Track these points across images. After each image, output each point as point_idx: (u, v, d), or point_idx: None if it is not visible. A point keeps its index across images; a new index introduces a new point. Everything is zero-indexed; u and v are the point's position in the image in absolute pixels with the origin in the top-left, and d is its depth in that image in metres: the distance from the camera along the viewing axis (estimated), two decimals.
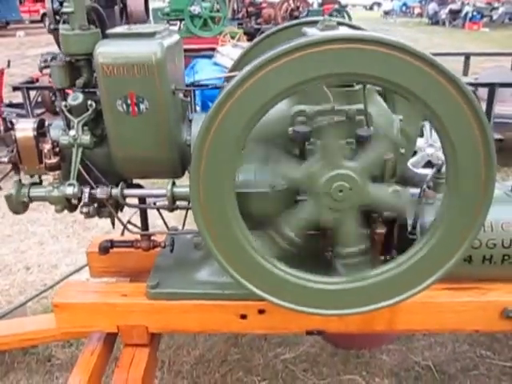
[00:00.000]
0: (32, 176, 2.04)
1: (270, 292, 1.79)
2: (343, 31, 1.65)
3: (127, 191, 2.00)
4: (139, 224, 2.28)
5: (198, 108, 5.79)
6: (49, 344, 2.82)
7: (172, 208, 2.01)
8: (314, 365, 2.82)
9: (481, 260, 2.08)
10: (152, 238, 2.27)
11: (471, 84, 5.36)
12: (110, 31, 1.91)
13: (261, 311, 2.08)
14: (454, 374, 2.73)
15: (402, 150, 2.05)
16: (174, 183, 1.97)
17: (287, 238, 1.77)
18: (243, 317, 2.10)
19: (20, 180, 2.03)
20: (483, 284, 2.15)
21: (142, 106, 1.85)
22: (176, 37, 2.05)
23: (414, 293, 1.79)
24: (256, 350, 2.92)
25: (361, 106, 1.89)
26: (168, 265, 2.24)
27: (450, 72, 1.50)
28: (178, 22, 10.64)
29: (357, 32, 1.72)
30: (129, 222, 2.14)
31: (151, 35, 1.87)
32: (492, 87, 5.49)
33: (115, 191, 1.97)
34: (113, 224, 2.20)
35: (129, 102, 1.85)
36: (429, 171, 5.09)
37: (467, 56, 7.69)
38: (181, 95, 2.03)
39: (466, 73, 7.54)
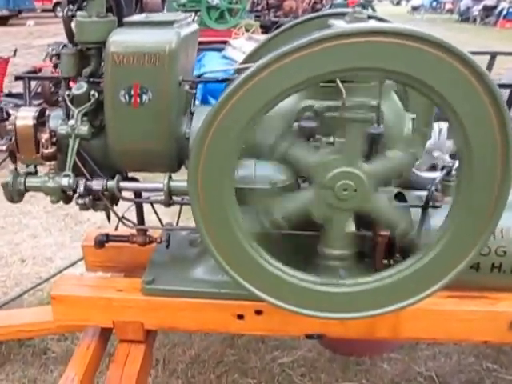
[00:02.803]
0: (28, 166, 1.98)
1: (268, 292, 1.73)
2: (373, 24, 1.58)
3: (123, 184, 1.95)
4: (135, 219, 2.22)
5: (197, 102, 5.70)
6: (45, 337, 2.77)
7: (169, 203, 1.94)
8: (311, 370, 2.74)
9: (489, 268, 2.00)
10: (148, 233, 2.20)
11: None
12: (126, 19, 1.87)
13: (258, 312, 2.01)
14: None
15: (412, 150, 1.97)
16: (170, 177, 1.91)
17: (274, 222, 1.70)
18: (240, 317, 2.03)
19: (16, 169, 1.98)
20: (491, 293, 2.07)
21: (144, 97, 1.79)
22: (194, 27, 2.00)
23: (418, 300, 1.71)
24: (253, 353, 2.85)
25: (374, 103, 1.82)
26: (164, 261, 2.18)
27: (481, 69, 1.42)
28: (193, 14, 10.56)
29: (389, 25, 1.63)
30: (123, 216, 2.07)
31: (169, 24, 1.82)
32: None
33: (111, 184, 1.91)
34: (108, 218, 2.14)
35: (132, 92, 1.79)
36: (434, 174, 5.09)
37: (493, 55, 7.55)
38: (187, 87, 1.96)
39: (490, 72, 7.42)
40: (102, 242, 2.22)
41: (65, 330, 2.41)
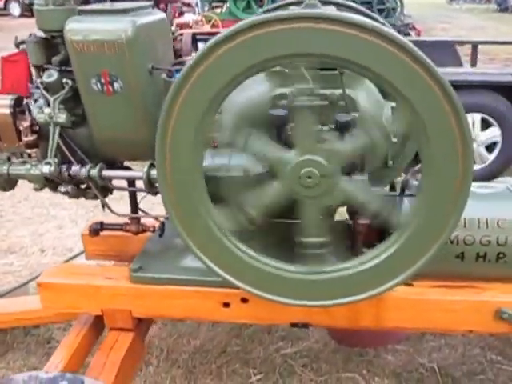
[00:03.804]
0: (15, 154, 2.06)
1: (239, 278, 1.75)
2: (309, 10, 1.58)
3: (106, 172, 2.00)
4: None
5: None
6: (50, 326, 2.87)
7: (155, 191, 1.99)
8: (314, 361, 2.75)
9: (474, 257, 1.97)
10: (142, 221, 2.26)
11: None
12: (81, 7, 1.91)
13: (244, 300, 2.03)
14: (458, 378, 2.62)
15: (394, 139, 1.96)
16: (151, 165, 1.94)
17: (248, 216, 1.70)
18: (226, 305, 2.06)
19: (9, 158, 2.06)
20: (478, 283, 2.04)
21: (116, 85, 1.84)
22: (158, 15, 2.03)
23: (387, 288, 1.70)
24: (257, 343, 2.88)
25: (348, 91, 1.82)
26: (155, 249, 2.23)
27: (422, 56, 1.42)
28: (223, 4, 10.59)
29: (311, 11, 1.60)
30: (106, 205, 2.13)
31: (124, 12, 1.86)
32: None
33: (94, 171, 1.96)
34: (103, 206, 2.21)
35: (102, 80, 1.84)
36: None
37: None
38: (164, 75, 2.00)
39: None
40: (96, 230, 2.30)
41: (61, 318, 2.48)
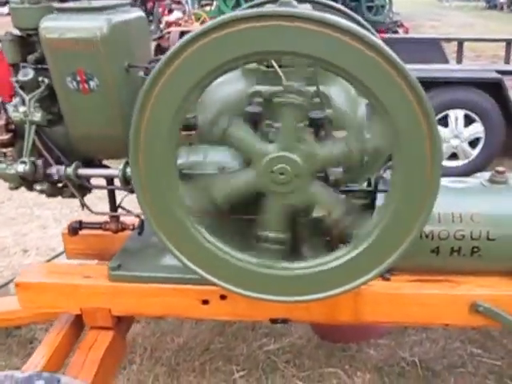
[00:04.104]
0: None
1: (216, 275, 1.76)
2: (278, 8, 1.59)
3: (82, 171, 2.01)
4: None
5: None
6: (33, 327, 2.87)
7: (131, 189, 1.99)
8: (297, 356, 2.77)
9: (449, 252, 1.99)
10: (122, 220, 2.27)
11: (501, 71, 5.16)
12: (56, 5, 1.91)
13: (223, 297, 2.05)
14: (438, 371, 2.64)
15: (368, 136, 1.98)
16: (127, 163, 1.94)
17: (216, 205, 1.72)
18: (205, 302, 2.07)
19: None
20: (454, 277, 2.06)
21: (92, 83, 1.85)
22: (136, 13, 2.04)
23: (361, 283, 1.71)
24: (241, 340, 2.90)
25: (322, 88, 1.84)
26: (135, 247, 2.24)
27: (388, 53, 1.43)
28: (213, 2, 10.57)
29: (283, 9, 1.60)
30: (84, 204, 2.14)
31: (100, 10, 1.86)
32: None
33: (69, 170, 1.97)
34: (82, 205, 2.21)
35: (78, 78, 1.84)
36: (455, 163, 5.01)
37: (508, 42, 7.38)
38: (141, 73, 2.00)
39: (507, 60, 7.24)
40: (75, 229, 2.30)
41: (42, 318, 2.48)
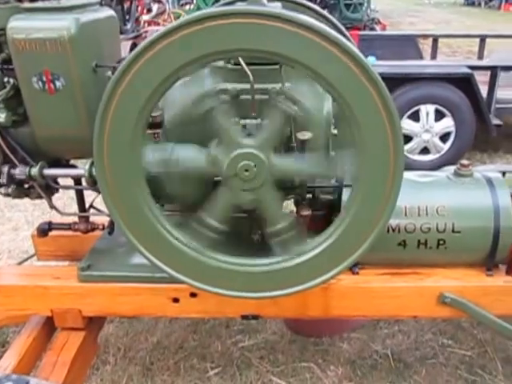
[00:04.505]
0: None
1: (184, 273, 1.77)
2: (247, 6, 1.59)
3: (47, 171, 1.99)
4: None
5: None
6: (5, 330, 2.84)
7: (97, 189, 1.98)
8: (271, 352, 2.79)
9: (416, 245, 2.02)
10: (92, 220, 2.26)
11: (472, 67, 5.23)
12: (24, 5, 1.89)
13: (193, 295, 2.06)
14: (410, 363, 2.68)
15: (335, 131, 2.00)
16: (93, 162, 1.93)
17: (212, 228, 1.72)
18: (175, 300, 2.08)
19: None
20: (421, 269, 2.10)
21: (58, 84, 1.84)
22: (105, 13, 2.03)
23: (328, 277, 1.73)
24: (215, 337, 2.90)
25: (287, 85, 1.85)
26: (105, 247, 2.24)
27: (348, 47, 1.44)
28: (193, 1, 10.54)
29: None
30: (50, 204, 2.12)
31: (68, 10, 1.85)
32: (494, 70, 5.30)
33: (34, 170, 1.96)
34: (51, 207, 2.19)
35: (44, 79, 1.83)
36: (427, 157, 5.07)
37: (482, 38, 7.50)
38: (109, 73, 1.99)
39: (481, 55, 7.35)
40: (44, 230, 2.28)
41: (13, 320, 2.45)
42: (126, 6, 9.66)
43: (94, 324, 2.24)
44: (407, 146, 5.17)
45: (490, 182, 2.06)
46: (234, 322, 3.00)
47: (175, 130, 1.87)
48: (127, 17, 9.35)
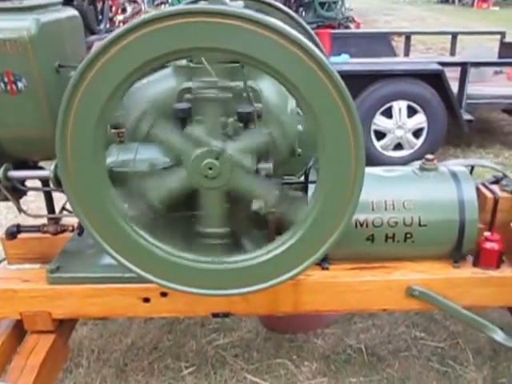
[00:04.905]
0: None
1: (153, 273, 1.77)
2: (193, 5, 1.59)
3: (12, 173, 1.98)
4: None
5: None
6: None
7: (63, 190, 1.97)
8: (245, 350, 2.79)
9: (383, 239, 2.05)
10: (61, 221, 2.25)
11: (443, 63, 5.29)
12: None
13: (163, 294, 2.06)
14: (383, 356, 2.70)
15: (300, 128, 2.02)
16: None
17: (148, 203, 1.72)
18: (146, 300, 2.08)
19: None
20: (390, 263, 2.12)
21: (20, 84, 1.82)
22: (67, 13, 2.02)
23: (296, 273, 1.75)
24: (190, 337, 2.89)
25: (250, 83, 1.85)
26: (74, 249, 2.23)
27: (310, 47, 1.45)
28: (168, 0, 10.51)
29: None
30: (18, 206, 2.11)
31: (29, 10, 1.84)
32: (464, 67, 5.37)
33: None
34: (18, 209, 2.18)
35: (6, 80, 1.82)
36: (400, 153, 5.12)
37: (454, 35, 7.61)
38: (72, 73, 1.98)
39: (453, 52, 7.45)
40: (12, 233, 2.26)
41: None
42: (99, 6, 9.60)
43: (64, 326, 2.23)
44: (381, 143, 5.23)
45: (454, 175, 2.09)
46: (209, 320, 2.99)
47: (140, 129, 1.86)
48: (100, 17, 9.28)
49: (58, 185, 1.93)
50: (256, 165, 1.83)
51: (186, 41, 1.45)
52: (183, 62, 1.91)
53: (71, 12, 2.04)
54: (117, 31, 1.46)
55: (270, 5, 2.50)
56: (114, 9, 12.34)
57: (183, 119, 1.80)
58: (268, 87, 1.91)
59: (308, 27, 2.49)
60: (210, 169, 1.64)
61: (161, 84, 1.93)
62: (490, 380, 2.55)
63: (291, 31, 1.44)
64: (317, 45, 2.47)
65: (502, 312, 2.63)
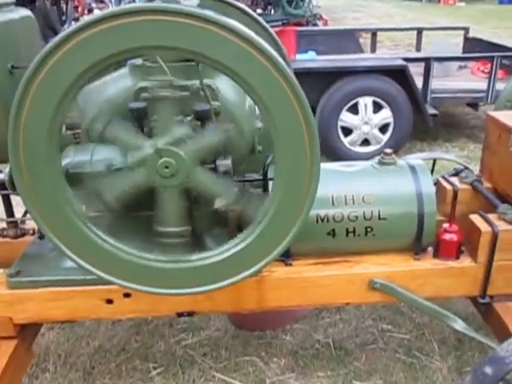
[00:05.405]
0: None
1: (113, 274, 1.76)
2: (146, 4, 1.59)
3: None
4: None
5: None
6: None
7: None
8: (214, 348, 2.79)
9: (344, 233, 2.06)
10: (21, 225, 2.22)
11: (407, 59, 5.35)
12: None
13: (126, 295, 2.04)
14: (351, 350, 2.73)
15: (259, 125, 2.02)
16: None
17: (106, 203, 1.71)
18: (109, 302, 2.06)
19: None
20: (352, 257, 2.14)
21: None
22: (20, 13, 1.99)
23: (255, 270, 1.75)
24: (158, 337, 2.89)
25: (207, 81, 1.85)
26: (35, 252, 2.20)
27: (264, 46, 1.45)
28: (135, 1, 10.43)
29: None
30: None
31: None
32: (428, 62, 5.44)
33: None
34: None
35: None
36: (367, 149, 5.17)
37: (419, 31, 7.71)
38: None
39: (418, 47, 7.55)
40: None
41: None
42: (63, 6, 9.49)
43: (27, 331, 2.19)
44: (348, 139, 5.28)
45: (413, 169, 2.12)
46: (178, 320, 2.99)
47: (95, 130, 1.85)
48: (64, 17, 9.18)
49: (14, 187, 1.90)
50: (214, 162, 1.83)
51: (136, 40, 1.43)
52: (139, 61, 1.90)
53: (24, 12, 2.02)
54: (65, 31, 1.44)
55: (228, 4, 2.50)
56: (80, 9, 12.23)
57: (139, 119, 1.79)
58: (226, 85, 1.92)
59: (267, 26, 2.49)
60: (167, 168, 1.63)
61: (117, 84, 1.92)
62: (455, 369, 2.60)
63: (242, 28, 1.43)
64: (276, 43, 2.48)
65: (467, 302, 2.68)
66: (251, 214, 1.76)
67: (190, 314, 2.13)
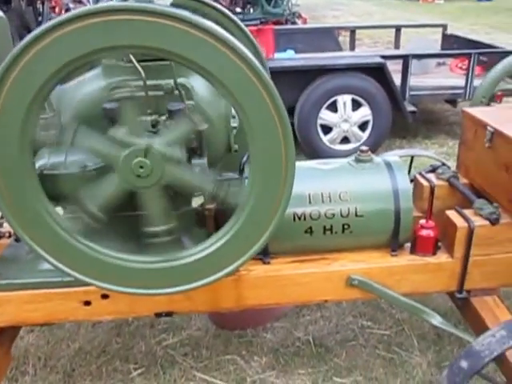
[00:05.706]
0: None
1: (88, 275, 1.75)
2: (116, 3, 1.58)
3: None
4: None
5: None
6: None
7: None
8: (195, 348, 2.79)
9: (322, 231, 2.07)
10: None
11: (385, 56, 5.38)
12: None
13: (104, 296, 2.04)
14: (331, 347, 2.74)
15: (234, 124, 2.02)
16: None
17: (90, 214, 1.70)
18: (87, 303, 2.05)
19: None
20: (329, 254, 2.15)
21: None
22: None
23: (234, 268, 1.75)
24: (139, 338, 2.87)
25: (182, 80, 1.85)
26: (12, 255, 2.18)
27: (238, 47, 1.45)
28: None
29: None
30: None
31: None
32: (406, 59, 5.47)
33: None
34: None
35: None
36: (347, 146, 5.19)
37: (398, 28, 7.76)
38: None
39: (397, 45, 7.60)
40: None
41: None
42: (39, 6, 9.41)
43: (5, 335, 2.18)
44: (328, 137, 5.29)
45: (389, 165, 2.13)
46: (159, 321, 2.98)
47: (71, 130, 1.84)
48: (40, 18, 9.10)
49: None
50: (190, 161, 1.83)
51: (110, 39, 1.43)
52: (113, 61, 1.89)
53: None
54: (38, 30, 1.43)
55: (204, 3, 2.49)
56: (57, 9, 12.11)
57: (113, 119, 1.77)
58: (200, 84, 1.91)
59: (243, 25, 2.49)
60: (141, 167, 1.62)
61: (91, 84, 1.91)
62: (434, 364, 2.62)
63: (216, 28, 1.43)
64: (252, 43, 2.48)
65: (446, 297, 2.71)
66: (229, 213, 1.77)
67: (169, 314, 2.12)
